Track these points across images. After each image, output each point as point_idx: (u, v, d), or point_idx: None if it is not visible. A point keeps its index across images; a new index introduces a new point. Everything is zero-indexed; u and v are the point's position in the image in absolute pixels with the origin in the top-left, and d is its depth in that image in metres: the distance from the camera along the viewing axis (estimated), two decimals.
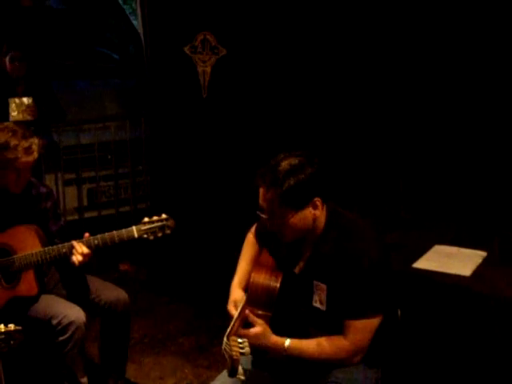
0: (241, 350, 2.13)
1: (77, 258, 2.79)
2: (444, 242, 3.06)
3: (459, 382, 2.61)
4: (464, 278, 2.70)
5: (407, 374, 2.66)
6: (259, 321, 2.19)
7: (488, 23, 3.25)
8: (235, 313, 2.33)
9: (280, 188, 2.11)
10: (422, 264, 2.84)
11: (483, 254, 2.92)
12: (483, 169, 3.39)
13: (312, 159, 2.18)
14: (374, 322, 2.19)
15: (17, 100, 4.20)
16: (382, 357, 2.32)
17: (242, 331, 2.21)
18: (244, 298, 2.37)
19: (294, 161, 2.15)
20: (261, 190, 2.17)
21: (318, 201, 2.18)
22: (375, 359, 2.28)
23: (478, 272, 2.75)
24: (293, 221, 2.16)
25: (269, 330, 2.21)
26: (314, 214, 2.19)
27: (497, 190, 3.32)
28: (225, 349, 2.19)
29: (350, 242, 2.19)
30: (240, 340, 2.16)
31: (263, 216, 2.19)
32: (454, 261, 2.86)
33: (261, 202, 2.18)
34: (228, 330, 2.24)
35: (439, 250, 2.99)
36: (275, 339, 2.21)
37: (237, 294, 2.43)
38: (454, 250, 2.98)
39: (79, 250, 2.80)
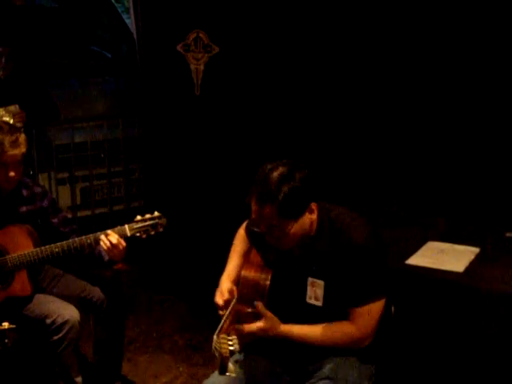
0: (230, 348, 2.11)
1: (106, 245, 2.77)
2: (437, 239, 3.07)
3: (453, 377, 2.62)
4: (457, 274, 2.71)
5: (401, 369, 2.67)
6: (268, 314, 2.19)
7: (486, 24, 3.25)
8: (221, 303, 2.33)
9: (276, 201, 2.08)
10: (415, 260, 2.85)
11: (476, 250, 2.93)
12: (476, 165, 3.39)
13: (298, 164, 2.17)
14: (378, 305, 2.21)
15: (3, 111, 4.14)
16: (376, 353, 2.33)
17: (247, 326, 2.19)
18: (232, 288, 2.38)
19: (282, 169, 2.12)
20: (254, 207, 2.13)
21: (313, 205, 2.19)
22: (369, 355, 2.30)
23: (470, 268, 2.76)
24: (293, 230, 2.15)
25: (277, 320, 2.21)
26: (311, 218, 2.20)
27: (490, 186, 3.33)
28: (215, 347, 2.17)
29: (344, 233, 2.21)
30: (230, 337, 2.15)
31: (258, 231, 2.18)
32: (447, 257, 2.87)
33: (255, 218, 2.15)
34: (218, 328, 2.24)
35: (432, 247, 3.00)
36: (283, 328, 2.21)
37: (225, 285, 2.42)
38: (446, 246, 2.99)
39: (113, 241, 2.77)
